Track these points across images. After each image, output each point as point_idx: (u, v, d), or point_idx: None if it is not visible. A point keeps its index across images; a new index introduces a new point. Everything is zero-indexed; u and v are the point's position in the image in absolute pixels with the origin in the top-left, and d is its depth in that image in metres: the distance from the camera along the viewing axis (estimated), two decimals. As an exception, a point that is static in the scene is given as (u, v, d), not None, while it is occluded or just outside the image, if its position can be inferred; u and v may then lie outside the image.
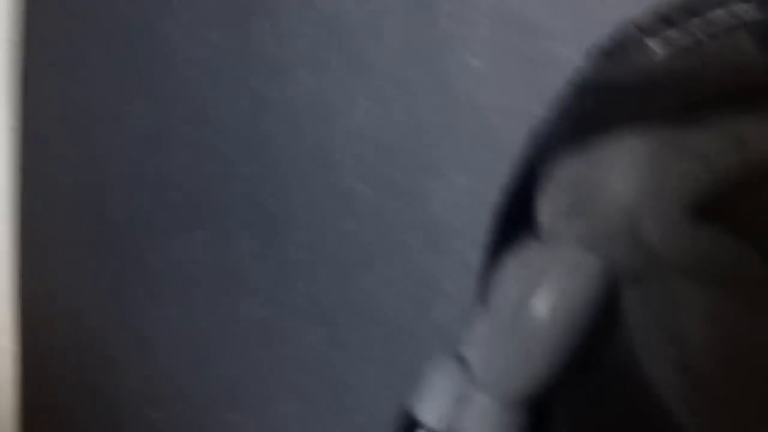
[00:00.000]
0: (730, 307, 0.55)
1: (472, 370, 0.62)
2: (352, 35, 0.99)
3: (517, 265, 0.60)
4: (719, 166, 0.53)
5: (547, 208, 0.60)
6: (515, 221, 0.62)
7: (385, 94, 1.00)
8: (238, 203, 1.08)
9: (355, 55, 1.00)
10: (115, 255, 1.14)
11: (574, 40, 0.84)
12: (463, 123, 0.96)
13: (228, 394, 1.12)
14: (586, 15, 0.84)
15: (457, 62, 0.94)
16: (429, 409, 0.62)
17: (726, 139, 0.54)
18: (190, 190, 1.09)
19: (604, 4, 0.82)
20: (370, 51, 0.99)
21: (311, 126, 1.04)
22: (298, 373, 1.09)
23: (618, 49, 0.60)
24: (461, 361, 0.62)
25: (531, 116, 0.61)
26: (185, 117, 1.08)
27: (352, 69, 1.00)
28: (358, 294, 1.04)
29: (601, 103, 0.59)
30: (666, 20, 0.59)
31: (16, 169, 1.22)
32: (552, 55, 0.87)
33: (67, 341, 1.21)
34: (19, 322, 1.25)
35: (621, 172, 0.56)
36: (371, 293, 1.03)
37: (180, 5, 1.08)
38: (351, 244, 1.04)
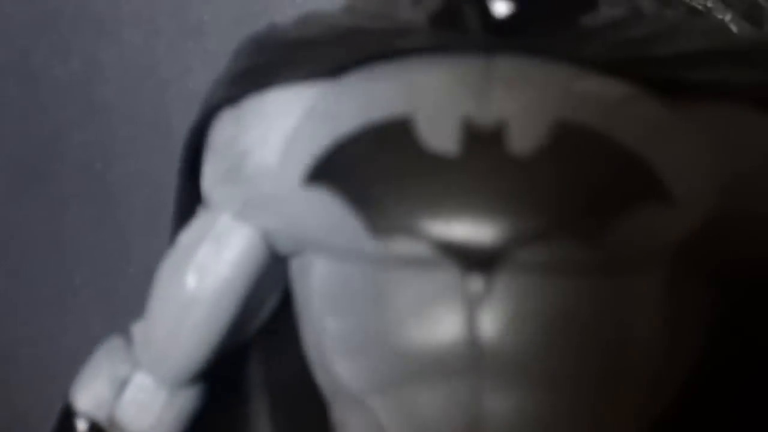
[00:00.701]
0: (343, 283, 0.51)
1: (135, 350, 0.59)
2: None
3: (181, 235, 0.58)
4: (342, 129, 0.50)
5: (208, 173, 0.57)
6: (190, 190, 0.59)
7: (219, 59, 0.96)
8: (71, 170, 1.04)
9: (186, 19, 0.96)
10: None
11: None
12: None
13: (66, 369, 1.09)
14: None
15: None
16: (86, 395, 0.59)
17: (357, 100, 0.51)
18: (20, 155, 1.05)
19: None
20: (201, 15, 0.96)
21: (146, 91, 1.00)
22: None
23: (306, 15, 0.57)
24: (129, 341, 0.60)
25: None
26: (13, 78, 1.03)
27: (184, 33, 0.97)
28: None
29: (261, 61, 0.55)
30: None
31: None
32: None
33: None
34: None
35: (263, 135, 0.53)
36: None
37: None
38: (188, 214, 1.01)
